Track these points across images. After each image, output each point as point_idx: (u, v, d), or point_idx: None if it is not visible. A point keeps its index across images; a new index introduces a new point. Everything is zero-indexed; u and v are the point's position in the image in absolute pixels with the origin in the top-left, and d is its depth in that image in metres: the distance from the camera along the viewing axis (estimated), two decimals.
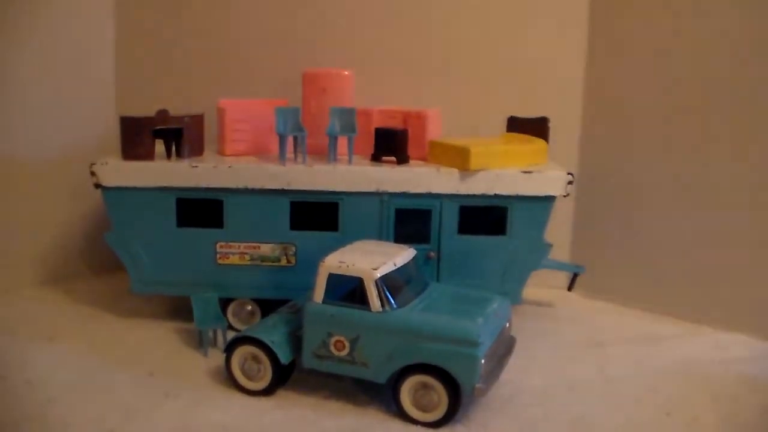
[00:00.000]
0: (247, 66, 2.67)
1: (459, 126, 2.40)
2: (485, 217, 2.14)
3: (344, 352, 1.74)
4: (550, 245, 2.18)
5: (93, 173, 2.12)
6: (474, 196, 2.11)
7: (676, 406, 1.81)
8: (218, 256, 2.16)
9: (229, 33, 2.68)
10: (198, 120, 2.26)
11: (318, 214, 2.13)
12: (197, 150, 2.25)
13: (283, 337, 1.81)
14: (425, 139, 2.24)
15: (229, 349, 1.84)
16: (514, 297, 2.14)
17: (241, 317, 2.23)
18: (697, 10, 2.29)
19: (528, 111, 2.35)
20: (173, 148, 2.22)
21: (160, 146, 2.20)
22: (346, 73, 2.32)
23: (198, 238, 2.16)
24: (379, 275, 1.72)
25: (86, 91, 2.66)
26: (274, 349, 1.78)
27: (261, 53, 2.66)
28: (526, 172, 2.11)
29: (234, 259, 2.17)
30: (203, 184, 2.12)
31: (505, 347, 1.85)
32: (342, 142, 2.20)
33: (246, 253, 2.16)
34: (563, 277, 2.53)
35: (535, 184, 2.11)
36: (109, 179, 2.12)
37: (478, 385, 1.64)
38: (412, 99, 2.45)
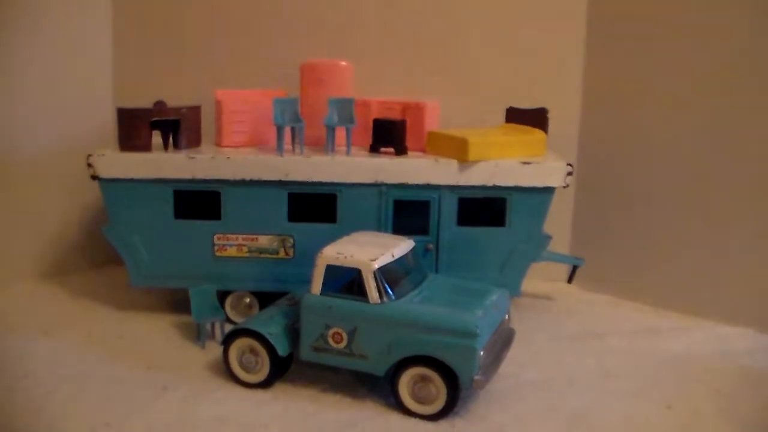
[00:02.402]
0: (245, 57, 2.65)
1: (457, 117, 2.39)
2: (484, 208, 2.13)
3: (342, 345, 1.73)
4: (549, 237, 2.17)
5: (90, 165, 2.11)
6: (473, 187, 2.10)
7: (677, 399, 1.81)
8: (216, 248, 2.15)
9: (227, 24, 2.67)
10: (195, 111, 2.25)
11: (316, 206, 2.12)
12: (194, 141, 2.24)
13: (281, 330, 1.81)
14: (424, 130, 2.23)
15: (227, 341, 1.83)
16: (513, 289, 2.13)
17: (239, 309, 2.22)
18: (699, 1, 2.28)
19: (527, 102, 2.34)
20: (170, 140, 2.21)
21: (157, 138, 2.20)
22: (344, 64, 2.31)
23: (195, 230, 2.14)
24: (377, 266, 1.71)
25: (83, 83, 2.64)
26: (272, 342, 1.77)
27: (259, 44, 2.65)
28: (525, 163, 2.10)
29: (232, 251, 2.16)
30: (200, 175, 2.11)
31: (504, 339, 1.84)
32: (340, 133, 2.19)
33: (244, 245, 2.15)
34: (563, 270, 2.52)
35: (534, 175, 2.10)
36: (107, 171, 2.11)
37: (476, 378, 1.63)
38: (411, 90, 2.44)
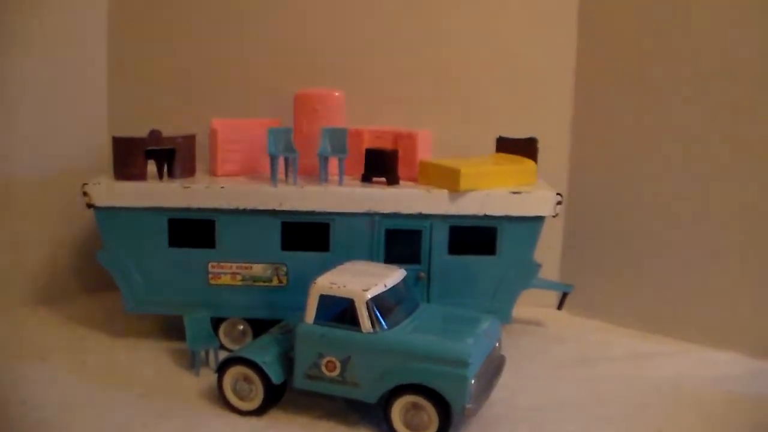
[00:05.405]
0: (240, 86, 2.68)
1: (449, 146, 2.41)
2: (475, 237, 2.15)
3: (335, 373, 1.75)
4: (539, 265, 2.19)
5: (85, 193, 2.13)
6: (464, 216, 2.13)
7: (667, 425, 1.82)
8: (210, 276, 2.17)
9: (222, 54, 2.69)
10: (190, 140, 2.27)
11: (309, 235, 2.14)
12: (189, 170, 2.26)
13: (274, 358, 1.82)
14: (415, 159, 2.26)
15: (221, 369, 1.84)
16: (504, 316, 2.15)
17: (232, 337, 2.24)
18: (687, 30, 2.31)
19: (517, 131, 2.37)
20: (165, 169, 2.23)
21: (152, 166, 2.21)
22: (338, 93, 2.34)
23: (190, 258, 2.16)
24: (370, 296, 1.73)
25: (79, 112, 2.66)
26: (266, 370, 1.79)
27: (253, 74, 2.67)
28: (515, 192, 2.13)
29: (226, 279, 2.17)
30: (195, 204, 2.13)
31: (495, 367, 1.86)
32: (333, 163, 2.22)
33: (238, 273, 2.17)
34: (553, 297, 2.54)
35: (524, 204, 2.13)
36: (102, 199, 2.13)
37: (468, 405, 1.65)
38: (403, 119, 2.47)
